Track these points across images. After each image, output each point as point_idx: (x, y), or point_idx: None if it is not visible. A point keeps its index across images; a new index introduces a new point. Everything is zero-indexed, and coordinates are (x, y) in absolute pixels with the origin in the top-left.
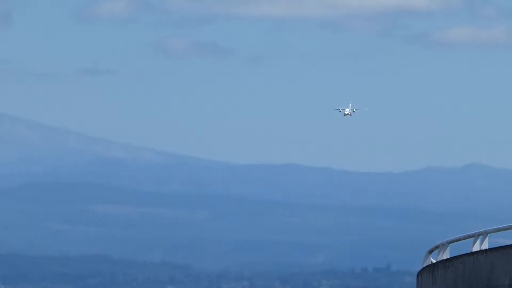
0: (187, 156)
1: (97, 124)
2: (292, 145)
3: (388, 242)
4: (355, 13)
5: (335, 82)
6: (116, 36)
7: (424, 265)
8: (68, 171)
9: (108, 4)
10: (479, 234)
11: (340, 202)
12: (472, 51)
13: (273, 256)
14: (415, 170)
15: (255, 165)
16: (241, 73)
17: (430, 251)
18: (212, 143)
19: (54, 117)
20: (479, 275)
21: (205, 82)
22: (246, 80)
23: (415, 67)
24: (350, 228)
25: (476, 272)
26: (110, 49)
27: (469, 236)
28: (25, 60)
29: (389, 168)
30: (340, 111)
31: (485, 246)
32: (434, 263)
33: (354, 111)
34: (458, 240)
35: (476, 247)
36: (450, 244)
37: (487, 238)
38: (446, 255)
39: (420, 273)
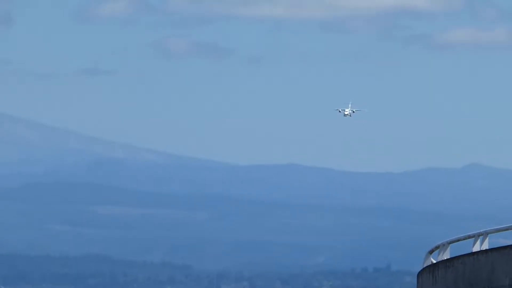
0: (187, 156)
1: (97, 125)
2: (292, 146)
3: (388, 243)
4: (355, 14)
5: (335, 83)
6: (116, 36)
7: (425, 265)
8: (68, 172)
9: (108, 4)
10: (479, 235)
11: (340, 202)
12: (472, 52)
13: (273, 257)
14: (415, 170)
15: (255, 165)
16: (241, 74)
17: (431, 251)
18: (212, 143)
19: (54, 117)
20: (480, 275)
21: (205, 82)
22: (246, 81)
23: (415, 68)
24: (350, 228)
25: (476, 272)
26: (110, 49)
27: (469, 237)
28: (25, 60)
29: (389, 168)
30: (340, 111)
31: (485, 246)
32: (435, 263)
33: (354, 112)
34: (458, 240)
35: (476, 248)
36: (450, 244)
37: (487, 238)
38: (446, 255)
39: (420, 273)
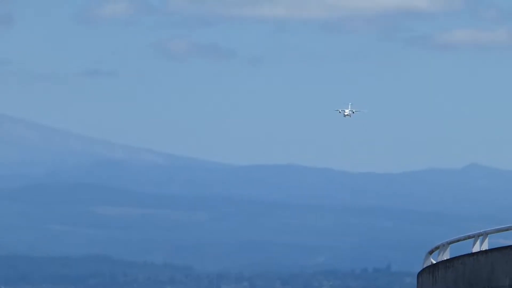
0: (187, 157)
1: (98, 125)
2: (292, 146)
3: (388, 243)
4: (356, 15)
5: (335, 83)
6: (117, 37)
7: (425, 266)
8: (68, 172)
9: (109, 5)
10: (479, 235)
11: (340, 202)
12: (472, 52)
13: (273, 257)
14: (415, 170)
15: (255, 166)
16: (242, 74)
17: (430, 252)
18: (212, 144)
19: (55, 118)
20: (479, 275)
21: (206, 83)
22: (246, 81)
23: (415, 68)
24: (350, 228)
25: (476, 272)
26: (110, 50)
27: (469, 237)
28: (26, 61)
29: (389, 168)
30: (340, 112)
31: (485, 246)
32: (435, 263)
33: (353, 112)
34: (458, 240)
35: (476, 248)
36: (450, 245)
37: (487, 238)
38: (446, 256)
39: (420, 273)
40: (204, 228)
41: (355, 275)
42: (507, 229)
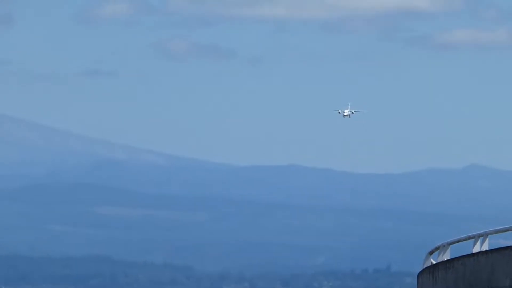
0: (188, 157)
1: (98, 126)
2: (293, 146)
3: (389, 243)
4: (356, 15)
5: (335, 84)
6: (117, 37)
7: (425, 266)
8: (69, 173)
9: (109, 5)
10: (479, 235)
11: (341, 203)
12: (472, 52)
13: (274, 258)
14: (415, 171)
15: (255, 166)
16: (242, 75)
17: (431, 252)
18: (212, 144)
19: (55, 118)
20: (480, 276)
21: (206, 83)
22: (247, 82)
23: (415, 68)
24: (351, 229)
25: (476, 273)
26: (111, 50)
27: (469, 237)
28: (26, 61)
29: (389, 169)
30: (339, 112)
31: (485, 247)
32: (435, 264)
33: (353, 113)
34: (458, 241)
35: (476, 248)
36: (450, 245)
37: (487, 239)
38: (446, 256)
39: (420, 274)
40: (204, 229)
41: (355, 275)
42: (507, 229)
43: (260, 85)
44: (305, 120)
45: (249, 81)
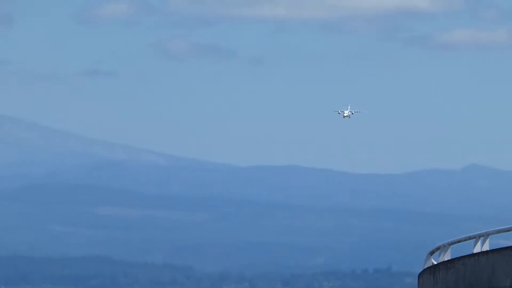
0: (188, 157)
1: (98, 126)
2: (293, 147)
3: (389, 244)
4: (356, 15)
5: (335, 84)
6: (117, 37)
7: (425, 267)
8: (69, 173)
9: (110, 5)
10: (480, 236)
11: (341, 203)
12: (472, 52)
13: (274, 258)
14: (415, 171)
15: (255, 166)
16: (242, 75)
17: (431, 252)
18: (212, 144)
19: (55, 118)
20: (480, 276)
21: (206, 83)
22: (247, 82)
23: (415, 68)
24: (351, 229)
25: (477, 273)
26: (111, 50)
27: (470, 238)
28: (26, 61)
29: (389, 169)
30: (339, 113)
31: (486, 247)
32: (435, 264)
33: (353, 113)
34: (459, 241)
35: (477, 249)
36: (451, 246)
37: (488, 239)
38: (447, 257)
39: (421, 274)
40: (204, 229)
41: (355, 275)
42: (507, 229)
43: (260, 85)
44: (305, 120)
45: (249, 81)
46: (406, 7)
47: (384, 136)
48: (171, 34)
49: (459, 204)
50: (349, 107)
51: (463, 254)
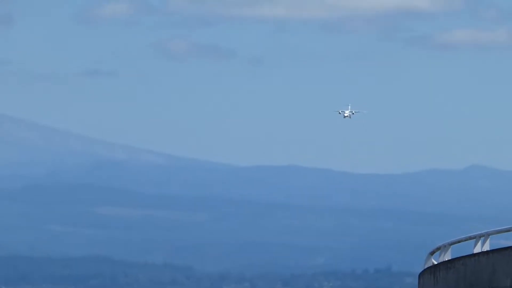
0: (188, 157)
1: (98, 126)
2: (293, 147)
3: (389, 244)
4: (356, 15)
5: (335, 84)
6: (117, 37)
7: (426, 267)
8: (69, 173)
9: (110, 5)
10: (480, 236)
11: (341, 203)
12: (473, 52)
13: (274, 258)
14: (415, 171)
15: (255, 166)
16: (242, 75)
17: (432, 252)
18: (212, 144)
19: (55, 118)
20: (481, 276)
21: (206, 83)
22: (247, 82)
23: (415, 68)
24: (351, 229)
25: (477, 273)
26: (111, 50)
27: (470, 238)
28: (26, 61)
29: (389, 169)
30: (339, 113)
31: (486, 247)
32: (436, 264)
33: (353, 113)
34: (459, 241)
35: (477, 249)
36: (451, 246)
37: (488, 239)
38: (447, 257)
39: (421, 274)
40: (204, 229)
41: (355, 275)
42: (508, 230)
43: (260, 85)
44: (305, 120)
45: (249, 81)
46: (406, 7)
47: (384, 136)
48: (171, 34)
49: (459, 204)
50: (349, 107)
51: (464, 254)
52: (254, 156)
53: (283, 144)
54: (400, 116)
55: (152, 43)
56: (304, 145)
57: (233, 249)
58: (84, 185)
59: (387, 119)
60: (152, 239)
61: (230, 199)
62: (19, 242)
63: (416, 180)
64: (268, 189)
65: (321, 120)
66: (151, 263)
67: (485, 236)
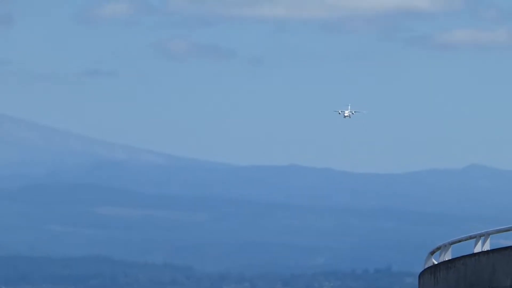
0: (188, 157)
1: (98, 126)
2: (293, 147)
3: (389, 244)
4: (356, 15)
5: (335, 84)
6: (117, 37)
7: (426, 266)
8: (69, 173)
9: (110, 5)
10: (480, 235)
11: (341, 203)
12: (473, 52)
13: (274, 258)
14: (415, 171)
15: (255, 166)
16: (242, 75)
17: (432, 252)
18: (212, 144)
19: (55, 118)
20: (481, 276)
21: (206, 83)
22: (247, 82)
23: (415, 68)
24: (351, 229)
25: (477, 273)
26: (111, 50)
27: (470, 237)
28: (26, 61)
29: (389, 169)
30: (339, 113)
31: (486, 247)
32: (436, 264)
33: (353, 113)
34: (459, 241)
35: (477, 248)
36: (451, 245)
37: (488, 239)
38: (447, 256)
39: (422, 274)
40: (204, 229)
41: (355, 275)
42: (508, 229)
43: (260, 85)
44: (305, 120)
45: (249, 81)
46: (406, 7)
47: (384, 136)
48: (171, 34)
49: (459, 204)
50: (349, 107)
51: (464, 254)
52: (254, 156)
53: (283, 144)
54: (400, 116)
55: (152, 43)
56: (304, 145)
57: (233, 249)
58: (84, 185)
59: (387, 119)
60: (152, 239)
61: (230, 199)
62: (19, 242)
63: (416, 180)
64: (268, 189)
65: (321, 120)
66: (151, 263)
67: (486, 235)
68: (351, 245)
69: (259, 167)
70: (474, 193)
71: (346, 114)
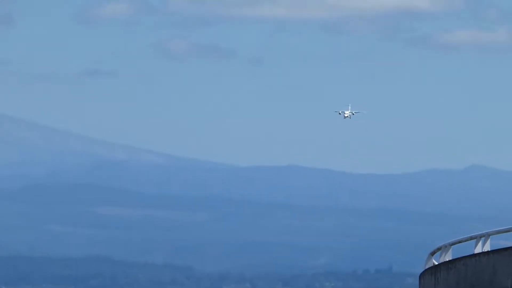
0: (188, 157)
1: (98, 126)
2: (293, 147)
3: (390, 244)
4: (356, 15)
5: (336, 84)
6: (117, 37)
7: (426, 267)
8: (69, 173)
9: (110, 5)
10: (481, 236)
11: (341, 203)
12: (473, 53)
13: (274, 258)
14: (416, 171)
15: (255, 166)
16: (242, 75)
17: (432, 253)
18: (212, 144)
19: (55, 118)
20: (481, 277)
21: (206, 83)
22: (247, 82)
23: (416, 68)
24: (351, 229)
25: (478, 274)
26: (111, 50)
27: (471, 238)
28: (26, 61)
29: (390, 169)
30: (339, 113)
31: (487, 248)
32: (437, 264)
33: (353, 114)
34: (460, 242)
35: (478, 249)
36: (452, 246)
37: (489, 239)
38: (448, 257)
39: (422, 274)
40: (204, 229)
41: (356, 276)
42: (508, 230)
43: (260, 85)
44: (305, 120)
45: (249, 81)
46: (407, 7)
47: (384, 136)
48: (171, 34)
49: (459, 204)
50: (349, 107)
51: (464, 255)
52: (254, 156)
53: (283, 144)
54: (400, 116)
55: (152, 43)
56: (304, 145)
57: (233, 249)
58: (84, 185)
59: (387, 119)
60: (152, 239)
61: (230, 199)
62: (19, 242)
63: (416, 180)
64: (268, 189)
65: (321, 120)
66: (151, 263)
67: (486, 236)
68: (351, 245)
69: (259, 167)
70: (474, 193)
71: (346, 115)
